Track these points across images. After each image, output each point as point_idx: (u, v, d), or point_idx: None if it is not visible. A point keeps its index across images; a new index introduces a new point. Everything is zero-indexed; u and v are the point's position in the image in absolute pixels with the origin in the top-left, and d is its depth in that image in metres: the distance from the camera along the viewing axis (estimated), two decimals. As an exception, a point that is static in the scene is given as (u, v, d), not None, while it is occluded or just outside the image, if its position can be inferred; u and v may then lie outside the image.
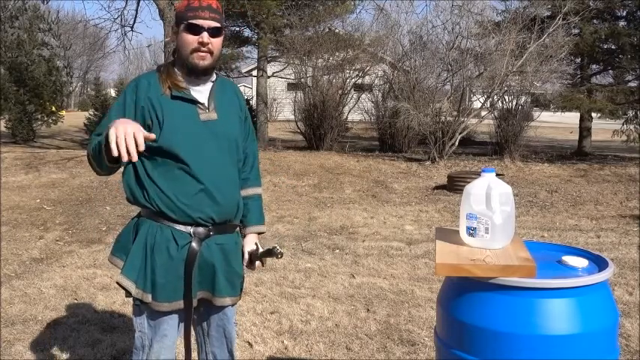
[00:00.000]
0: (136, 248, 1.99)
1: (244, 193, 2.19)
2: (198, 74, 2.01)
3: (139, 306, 2.01)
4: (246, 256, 2.18)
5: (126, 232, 2.07)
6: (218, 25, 1.97)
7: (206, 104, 2.04)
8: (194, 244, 1.99)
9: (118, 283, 2.00)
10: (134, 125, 1.74)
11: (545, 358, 1.63)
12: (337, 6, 15.63)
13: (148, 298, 1.97)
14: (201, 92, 2.05)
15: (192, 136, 1.98)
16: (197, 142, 1.98)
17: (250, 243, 2.21)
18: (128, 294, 2.00)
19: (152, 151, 1.96)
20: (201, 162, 1.98)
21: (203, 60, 1.98)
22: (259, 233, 2.26)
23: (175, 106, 1.98)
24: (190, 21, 1.95)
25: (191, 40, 1.96)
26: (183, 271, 1.99)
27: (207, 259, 2.03)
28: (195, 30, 1.95)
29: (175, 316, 2.05)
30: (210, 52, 1.98)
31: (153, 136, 1.82)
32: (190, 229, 2.00)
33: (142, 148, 1.71)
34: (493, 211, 1.83)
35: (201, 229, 2.01)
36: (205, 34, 1.95)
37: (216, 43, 1.99)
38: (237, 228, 2.17)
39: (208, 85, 2.08)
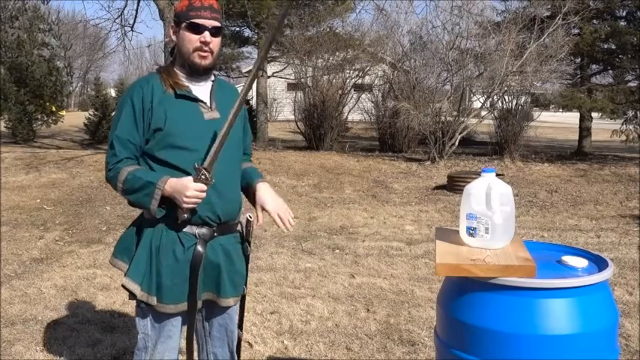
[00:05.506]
0: (141, 251, 1.98)
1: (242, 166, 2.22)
2: (199, 73, 2.03)
3: (143, 308, 2.00)
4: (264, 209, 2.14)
5: (128, 234, 2.07)
6: (219, 24, 2.00)
7: (208, 103, 2.05)
8: (199, 247, 1.98)
9: (123, 286, 1.99)
10: (195, 186, 1.89)
11: (545, 358, 1.63)
12: (337, 6, 15.63)
13: (154, 300, 1.97)
14: (202, 91, 2.06)
15: (198, 135, 1.98)
16: (204, 141, 1.98)
17: (265, 190, 2.15)
18: (132, 296, 1.99)
19: (158, 152, 1.96)
20: None
21: (205, 59, 2.00)
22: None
23: (181, 106, 1.99)
24: (193, 20, 1.96)
25: (193, 39, 1.97)
26: (189, 273, 1.98)
27: (212, 261, 2.03)
28: (197, 29, 1.96)
29: (179, 318, 2.05)
30: (211, 52, 2.00)
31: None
32: (195, 231, 1.99)
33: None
34: (493, 211, 1.83)
35: (205, 230, 2.01)
36: (207, 34, 1.97)
37: (217, 42, 2.01)
38: (238, 227, 2.17)
39: (208, 85, 2.09)
